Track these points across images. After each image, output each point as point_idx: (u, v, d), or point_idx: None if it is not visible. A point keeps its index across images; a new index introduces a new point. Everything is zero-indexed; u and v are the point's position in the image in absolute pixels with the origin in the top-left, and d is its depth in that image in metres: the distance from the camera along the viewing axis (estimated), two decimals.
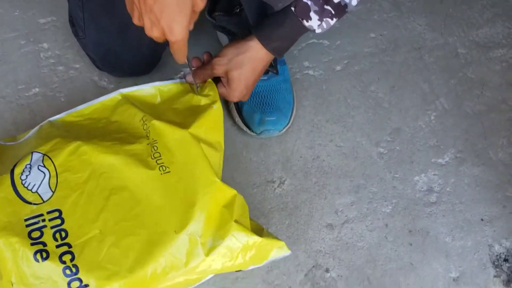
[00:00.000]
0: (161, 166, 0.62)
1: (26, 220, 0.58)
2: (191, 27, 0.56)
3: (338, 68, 0.93)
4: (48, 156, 0.62)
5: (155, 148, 0.64)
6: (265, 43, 0.68)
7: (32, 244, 0.56)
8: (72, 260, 0.56)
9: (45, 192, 0.60)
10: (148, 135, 0.65)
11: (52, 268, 0.55)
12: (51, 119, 0.70)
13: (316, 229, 0.78)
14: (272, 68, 0.82)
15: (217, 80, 0.73)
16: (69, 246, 0.57)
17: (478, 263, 0.78)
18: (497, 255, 0.79)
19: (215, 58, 0.71)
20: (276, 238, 0.63)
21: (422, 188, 0.83)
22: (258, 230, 0.66)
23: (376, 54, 0.96)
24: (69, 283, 0.55)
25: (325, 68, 0.93)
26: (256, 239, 0.61)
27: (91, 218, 0.59)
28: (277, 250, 0.63)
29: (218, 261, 0.61)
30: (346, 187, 0.82)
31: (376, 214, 0.80)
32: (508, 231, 0.81)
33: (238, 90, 0.71)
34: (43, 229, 0.57)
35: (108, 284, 0.56)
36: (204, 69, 0.72)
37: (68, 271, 0.55)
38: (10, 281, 0.55)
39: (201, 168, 0.63)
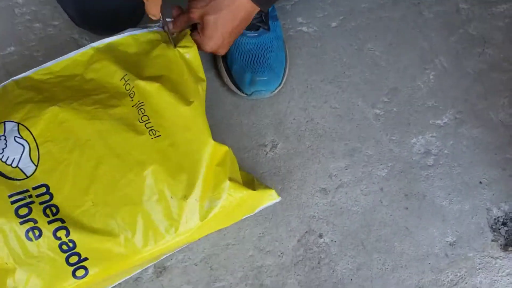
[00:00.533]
0: (151, 130, 0.58)
1: (10, 196, 0.53)
2: None
3: (334, 24, 0.88)
4: (24, 126, 0.57)
5: (142, 111, 0.59)
6: None
7: (21, 223, 0.52)
8: (67, 235, 0.53)
9: (27, 166, 0.55)
10: (131, 96, 0.60)
11: (47, 245, 0.52)
12: (15, 78, 0.63)
13: (309, 194, 0.76)
14: (263, 24, 0.77)
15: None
16: (62, 221, 0.53)
17: (475, 227, 0.76)
18: (495, 219, 0.77)
19: (191, 1, 0.65)
20: (266, 186, 0.64)
21: (419, 150, 0.80)
22: (249, 181, 0.66)
23: (373, 10, 0.91)
24: (67, 258, 0.53)
25: (319, 24, 0.88)
26: (250, 192, 0.61)
27: (81, 190, 0.55)
28: (268, 198, 0.64)
29: (213, 223, 0.60)
30: (341, 151, 0.79)
31: (371, 178, 0.77)
32: (507, 194, 0.79)
33: (213, 39, 0.64)
34: (31, 205, 0.53)
35: (109, 254, 0.54)
36: (181, 15, 0.66)
37: (65, 247, 0.52)
38: (5, 262, 0.52)
39: (193, 130, 0.59)
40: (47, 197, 0.54)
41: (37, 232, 0.52)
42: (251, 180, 0.67)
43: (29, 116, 0.57)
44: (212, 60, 0.82)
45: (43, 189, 0.54)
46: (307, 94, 0.82)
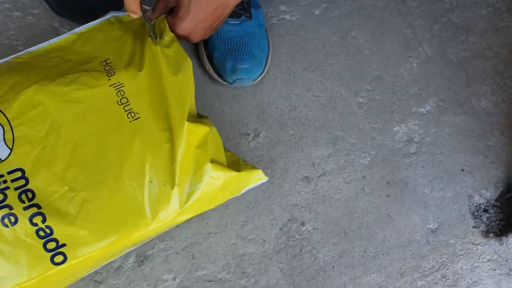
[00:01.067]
0: (130, 112, 0.57)
1: None
2: None
3: (317, 12, 0.88)
4: None
5: (122, 92, 0.59)
6: None
7: None
8: (43, 221, 0.52)
9: (2, 150, 0.54)
10: (110, 75, 0.59)
11: (24, 232, 0.51)
12: None
13: (292, 183, 0.76)
14: (245, 11, 0.76)
15: None
16: (38, 207, 0.52)
17: (457, 214, 0.77)
18: (476, 206, 0.78)
19: None
20: (253, 166, 0.63)
21: (402, 138, 0.80)
22: (234, 162, 0.64)
23: None
24: (44, 244, 0.52)
25: (303, 12, 0.87)
26: (234, 174, 0.60)
27: (58, 175, 0.54)
28: (255, 178, 0.63)
29: (196, 206, 0.59)
30: (324, 139, 0.79)
31: (354, 166, 0.78)
32: (489, 181, 0.79)
33: (184, 21, 0.61)
34: (6, 191, 0.52)
35: (86, 239, 0.53)
36: (159, 0, 0.64)
37: (41, 233, 0.52)
38: None
39: (171, 111, 0.59)
40: (22, 181, 0.53)
41: (13, 219, 0.51)
42: (237, 161, 0.66)
43: (4, 99, 0.56)
44: (194, 49, 0.81)
45: (19, 174, 0.53)
46: (290, 82, 0.82)
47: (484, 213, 0.77)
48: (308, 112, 0.80)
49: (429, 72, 0.86)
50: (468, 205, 0.77)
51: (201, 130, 0.59)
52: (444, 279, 0.73)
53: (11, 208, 0.51)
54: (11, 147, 0.54)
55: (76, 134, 0.56)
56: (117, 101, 0.58)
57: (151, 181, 0.56)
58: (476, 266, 0.74)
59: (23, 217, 0.52)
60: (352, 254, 0.72)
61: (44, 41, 0.66)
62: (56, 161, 0.54)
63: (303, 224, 0.73)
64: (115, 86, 0.58)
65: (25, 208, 0.52)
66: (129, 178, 0.55)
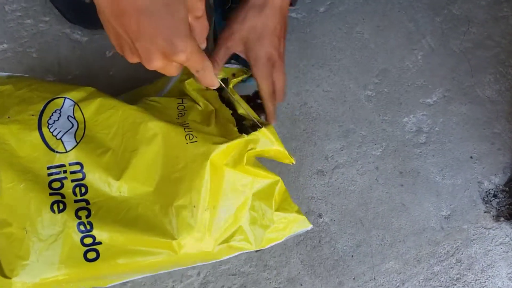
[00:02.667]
0: (188, 134, 0.57)
1: (49, 168, 0.55)
2: (203, 43, 0.47)
3: (322, 9, 0.90)
4: (79, 107, 0.59)
5: (183, 113, 0.60)
6: None
7: (50, 194, 0.54)
8: (88, 216, 0.54)
9: (69, 141, 0.56)
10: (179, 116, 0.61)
11: (66, 222, 0.53)
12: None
13: (307, 176, 0.77)
14: None
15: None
16: (87, 202, 0.54)
17: (468, 200, 0.79)
18: (486, 192, 0.80)
19: (225, 31, 0.62)
20: (298, 210, 0.62)
21: (411, 129, 0.82)
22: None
23: None
24: (82, 239, 0.53)
25: (308, 10, 0.89)
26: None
27: (112, 179, 0.55)
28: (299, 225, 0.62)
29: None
30: (335, 132, 0.81)
31: (366, 157, 0.79)
32: (497, 167, 0.82)
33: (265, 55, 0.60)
34: (64, 181, 0.54)
35: (121, 244, 0.54)
36: (217, 52, 0.61)
37: (82, 227, 0.53)
38: (23, 228, 0.52)
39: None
40: (80, 175, 0.55)
41: (61, 206, 0.53)
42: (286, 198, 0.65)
43: (86, 98, 0.59)
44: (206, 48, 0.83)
45: (78, 167, 0.55)
46: (299, 79, 0.83)
47: (494, 198, 0.79)
48: (319, 107, 0.82)
49: (434, 63, 0.88)
50: (479, 191, 0.80)
51: (272, 177, 0.61)
52: (460, 263, 0.75)
53: (63, 196, 0.54)
54: (77, 141, 0.57)
55: (135, 144, 0.57)
56: (182, 123, 0.59)
57: (194, 206, 0.56)
58: (489, 250, 0.76)
59: (71, 208, 0.53)
60: (369, 243, 0.74)
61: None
62: (113, 165, 0.56)
63: (320, 216, 0.75)
64: (181, 111, 0.61)
65: (75, 201, 0.54)
66: (178, 198, 0.55)
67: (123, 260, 0.54)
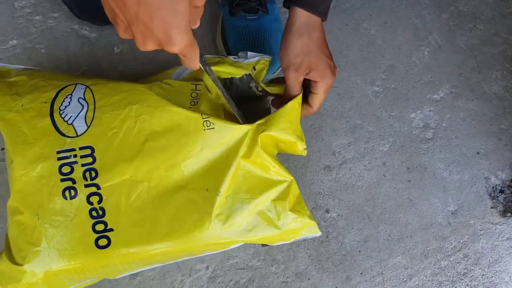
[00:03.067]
0: (206, 121, 0.57)
1: (58, 152, 0.55)
2: (196, 24, 0.46)
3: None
4: (91, 89, 0.59)
5: (196, 102, 0.60)
6: (311, 9, 0.60)
7: (62, 180, 0.54)
8: (99, 202, 0.54)
9: (80, 126, 0.56)
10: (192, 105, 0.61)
11: (78, 208, 0.53)
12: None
13: (314, 172, 0.78)
14: (262, 6, 0.78)
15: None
16: (98, 187, 0.54)
17: (475, 196, 0.79)
18: (493, 187, 0.80)
19: (290, 67, 0.61)
20: (310, 215, 0.62)
21: (419, 125, 0.82)
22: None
23: None
24: (93, 225, 0.53)
25: None
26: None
27: (124, 161, 0.55)
28: (308, 231, 0.61)
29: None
30: (343, 128, 0.81)
31: (374, 153, 0.80)
32: (503, 163, 0.82)
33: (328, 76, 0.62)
34: (74, 165, 0.54)
35: (134, 232, 0.54)
36: (292, 84, 0.61)
37: (94, 213, 0.53)
38: (36, 214, 0.53)
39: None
40: (90, 159, 0.55)
41: (73, 192, 0.53)
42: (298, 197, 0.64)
43: (98, 83, 0.60)
44: (213, 45, 0.83)
45: (88, 151, 0.55)
46: None
47: (500, 193, 0.80)
48: (326, 103, 0.82)
49: (440, 59, 0.88)
50: (485, 186, 0.80)
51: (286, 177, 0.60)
52: (466, 258, 0.75)
53: (74, 182, 0.54)
54: (88, 125, 0.57)
55: (151, 127, 0.57)
56: (196, 108, 0.59)
57: (206, 190, 0.56)
58: (496, 245, 0.76)
59: (82, 194, 0.54)
60: (377, 238, 0.74)
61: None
62: (125, 147, 0.56)
63: (327, 211, 0.75)
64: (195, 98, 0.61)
65: (86, 186, 0.54)
66: (189, 184, 0.56)
67: (134, 249, 0.55)
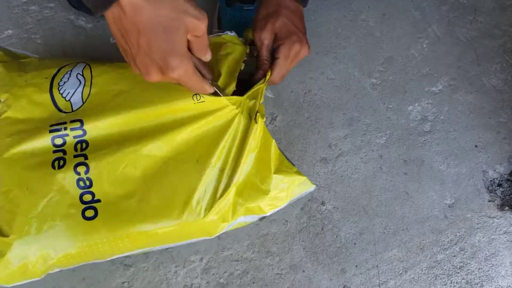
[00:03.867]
0: (196, 95, 0.58)
1: (50, 126, 0.56)
2: (205, 55, 0.50)
3: None
4: (90, 66, 0.60)
5: None
6: None
7: (54, 152, 0.54)
8: (86, 173, 0.54)
9: (77, 102, 0.58)
10: None
11: (66, 178, 0.53)
12: None
13: (310, 164, 0.77)
14: None
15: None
16: (86, 157, 0.54)
17: (472, 189, 0.78)
18: (491, 181, 0.79)
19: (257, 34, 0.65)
20: (297, 171, 0.62)
21: (416, 117, 0.82)
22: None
23: None
24: (81, 195, 0.53)
25: None
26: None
27: (113, 132, 0.56)
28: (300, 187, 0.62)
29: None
30: (340, 120, 0.80)
31: (370, 145, 0.79)
32: (502, 156, 0.81)
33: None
34: (66, 138, 0.55)
35: (122, 204, 0.54)
36: (261, 45, 0.66)
37: (81, 183, 0.53)
38: (25, 187, 0.53)
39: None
40: (80, 132, 0.55)
41: (62, 162, 0.54)
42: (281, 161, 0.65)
43: (101, 63, 0.61)
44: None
45: (78, 124, 0.56)
46: (304, 66, 0.83)
47: (498, 187, 0.79)
48: (323, 95, 0.82)
49: (439, 52, 0.87)
50: (483, 180, 0.79)
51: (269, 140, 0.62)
52: (463, 251, 0.74)
53: (65, 153, 0.54)
54: (84, 101, 0.58)
55: (140, 100, 0.57)
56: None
57: (197, 161, 0.57)
58: (493, 239, 0.76)
59: (70, 163, 0.54)
60: (372, 231, 0.74)
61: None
62: (115, 119, 0.56)
63: (323, 203, 0.75)
64: None
65: (75, 156, 0.54)
66: (179, 154, 0.56)
67: (122, 222, 0.54)
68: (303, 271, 0.71)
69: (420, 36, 0.88)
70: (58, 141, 0.55)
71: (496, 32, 0.90)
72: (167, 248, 0.69)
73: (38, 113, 0.57)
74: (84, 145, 0.55)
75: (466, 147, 0.81)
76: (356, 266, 0.72)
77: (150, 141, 0.56)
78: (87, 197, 0.53)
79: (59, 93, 0.58)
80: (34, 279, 0.56)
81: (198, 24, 0.46)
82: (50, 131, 0.55)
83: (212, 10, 0.83)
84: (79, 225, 0.53)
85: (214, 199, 0.57)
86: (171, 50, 0.45)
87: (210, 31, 0.83)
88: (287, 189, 0.61)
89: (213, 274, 0.69)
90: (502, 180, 0.79)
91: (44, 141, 0.55)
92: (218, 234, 0.60)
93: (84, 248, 0.55)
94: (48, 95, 0.57)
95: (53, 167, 0.53)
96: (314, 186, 0.61)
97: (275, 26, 0.64)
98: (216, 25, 0.81)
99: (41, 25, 0.80)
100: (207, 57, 0.51)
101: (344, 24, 0.87)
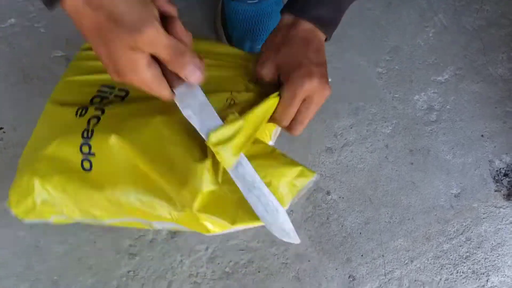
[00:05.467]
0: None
1: (102, 86, 0.57)
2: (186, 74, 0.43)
3: None
4: None
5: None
6: (300, 13, 0.52)
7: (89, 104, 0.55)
8: (95, 125, 0.52)
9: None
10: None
11: (78, 125, 0.52)
12: None
13: (315, 154, 0.77)
14: None
15: None
16: (103, 112, 0.53)
17: (478, 179, 0.78)
18: (497, 170, 0.79)
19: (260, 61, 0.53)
20: (293, 161, 0.54)
21: (422, 107, 0.81)
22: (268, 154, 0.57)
23: None
24: (81, 146, 0.52)
25: None
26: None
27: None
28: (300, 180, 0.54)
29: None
30: (345, 110, 0.80)
31: (376, 135, 0.79)
32: (508, 146, 0.81)
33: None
34: (105, 100, 0.55)
35: (116, 163, 0.52)
36: (262, 68, 0.52)
37: (85, 134, 0.52)
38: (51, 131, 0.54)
39: None
40: (123, 93, 0.56)
41: (83, 112, 0.54)
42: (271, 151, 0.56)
43: None
44: (213, 29, 0.82)
45: (123, 93, 0.56)
46: None
47: (504, 177, 0.79)
48: None
49: (446, 41, 0.87)
50: (489, 169, 0.79)
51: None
52: (469, 241, 0.74)
53: (92, 103, 0.55)
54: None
55: None
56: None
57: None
58: (499, 228, 0.75)
59: (89, 114, 0.53)
60: (378, 220, 0.74)
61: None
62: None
63: (328, 193, 0.75)
64: None
65: (96, 109, 0.54)
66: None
67: (116, 179, 0.52)
68: (309, 261, 0.71)
69: (427, 25, 0.87)
70: (96, 100, 0.55)
71: (503, 21, 0.89)
72: (172, 237, 0.69)
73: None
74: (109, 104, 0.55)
75: (472, 136, 0.80)
76: (362, 255, 0.72)
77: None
78: (85, 148, 0.52)
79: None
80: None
81: (136, 38, 0.39)
82: (98, 91, 0.56)
83: (216, 4, 0.82)
84: (78, 174, 0.52)
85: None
86: (142, 21, 0.39)
87: (212, 25, 0.82)
88: (287, 184, 0.54)
89: (219, 263, 0.69)
90: (508, 170, 0.79)
91: (87, 100, 0.56)
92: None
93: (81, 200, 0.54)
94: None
95: (76, 114, 0.54)
96: (315, 173, 0.53)
97: (277, 57, 0.51)
98: (220, 19, 0.80)
99: (44, 14, 0.79)
100: (192, 76, 0.43)
101: (350, 13, 0.86)
